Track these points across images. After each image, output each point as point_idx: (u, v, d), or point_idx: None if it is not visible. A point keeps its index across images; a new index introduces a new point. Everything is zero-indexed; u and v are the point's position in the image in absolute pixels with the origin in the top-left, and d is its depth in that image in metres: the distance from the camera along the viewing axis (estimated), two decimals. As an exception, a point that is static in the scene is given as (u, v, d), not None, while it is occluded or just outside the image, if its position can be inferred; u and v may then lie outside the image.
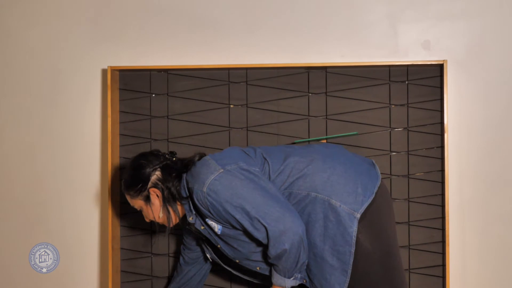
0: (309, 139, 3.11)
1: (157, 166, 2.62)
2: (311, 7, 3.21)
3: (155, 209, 2.64)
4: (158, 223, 2.76)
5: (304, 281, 2.56)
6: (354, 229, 2.44)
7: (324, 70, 3.11)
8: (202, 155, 2.63)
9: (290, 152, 2.61)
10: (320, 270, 2.50)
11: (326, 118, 3.11)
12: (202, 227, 2.63)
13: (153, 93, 3.20)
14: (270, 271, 2.60)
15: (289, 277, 2.50)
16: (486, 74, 3.15)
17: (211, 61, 3.21)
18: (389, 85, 3.08)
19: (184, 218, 2.72)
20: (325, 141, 3.11)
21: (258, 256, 2.61)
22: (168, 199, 2.62)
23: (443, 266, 3.03)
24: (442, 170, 3.04)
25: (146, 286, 3.20)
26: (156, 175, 2.62)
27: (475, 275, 3.15)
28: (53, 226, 3.37)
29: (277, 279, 2.52)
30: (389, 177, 3.06)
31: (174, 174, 2.61)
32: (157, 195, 2.62)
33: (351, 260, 2.46)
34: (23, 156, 3.38)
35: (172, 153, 2.69)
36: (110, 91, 3.12)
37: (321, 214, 2.47)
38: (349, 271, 2.46)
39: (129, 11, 3.30)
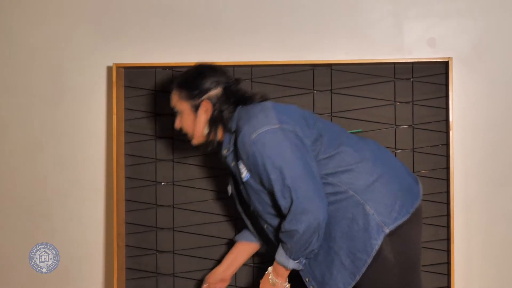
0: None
1: (221, 84, 2.53)
2: (315, 4, 3.20)
3: (197, 122, 2.54)
4: (184, 133, 2.64)
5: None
6: (378, 242, 2.38)
7: (329, 67, 3.11)
8: (264, 98, 2.54)
9: (345, 140, 2.51)
10: (329, 262, 2.46)
11: (331, 115, 3.11)
12: (233, 164, 2.54)
13: (158, 91, 3.20)
14: (276, 241, 2.53)
15: (294, 259, 2.43)
16: (491, 71, 3.15)
17: (215, 58, 3.21)
18: (394, 82, 3.07)
19: (218, 146, 2.61)
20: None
21: (271, 219, 2.54)
22: (215, 121, 2.51)
23: (448, 263, 3.02)
24: (447, 168, 3.03)
25: (151, 283, 3.21)
26: (216, 91, 2.52)
27: (480, 273, 3.15)
28: (58, 223, 3.38)
29: (281, 256, 2.45)
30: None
31: (232, 100, 2.51)
32: (206, 110, 2.52)
33: (364, 269, 2.40)
34: (28, 153, 3.39)
35: (238, 80, 2.59)
36: (115, 88, 3.12)
37: (350, 214, 2.40)
38: (358, 277, 2.42)
39: (134, 8, 3.31)
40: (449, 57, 2.99)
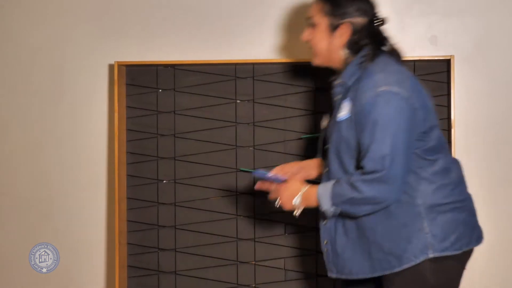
0: (317, 135, 3.10)
1: (368, 16, 2.38)
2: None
3: (328, 42, 2.40)
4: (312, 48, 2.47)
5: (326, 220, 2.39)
6: (416, 261, 2.27)
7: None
8: (400, 59, 2.42)
9: (444, 152, 2.37)
10: (357, 245, 2.36)
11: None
12: (337, 98, 2.41)
13: (159, 88, 3.21)
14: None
15: (333, 204, 2.29)
16: (493, 69, 3.15)
17: (217, 57, 3.21)
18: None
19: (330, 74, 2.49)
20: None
21: (335, 169, 2.37)
22: (349, 47, 2.37)
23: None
24: (449, 166, 3.03)
25: (153, 281, 3.21)
26: (361, 20, 2.36)
27: (482, 272, 3.14)
28: (60, 221, 3.38)
29: (324, 191, 2.30)
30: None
31: (371, 36, 2.37)
32: (342, 34, 2.37)
33: (386, 272, 2.31)
34: (30, 151, 3.39)
35: (384, 21, 2.43)
36: (117, 86, 3.12)
37: (405, 220, 2.30)
38: (375, 275, 2.34)
39: (136, 6, 3.31)
40: (451, 55, 2.99)
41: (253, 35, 3.23)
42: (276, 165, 3.09)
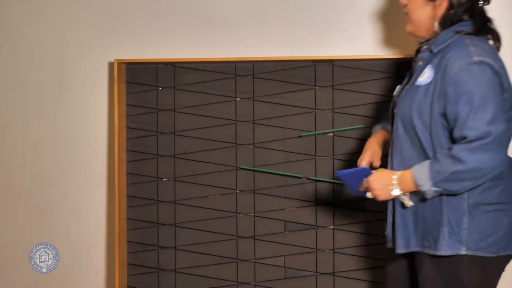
0: (316, 133, 3.10)
1: None
2: (317, 0, 3.20)
3: (423, 8, 2.37)
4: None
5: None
6: (447, 252, 2.25)
7: (331, 63, 3.10)
8: (498, 45, 2.37)
9: None
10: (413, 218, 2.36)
11: (333, 111, 3.11)
12: (420, 63, 2.38)
13: (159, 86, 3.21)
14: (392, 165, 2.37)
15: (434, 184, 2.22)
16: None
17: (217, 54, 3.21)
18: (395, 78, 3.07)
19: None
20: (331, 134, 3.10)
21: (403, 139, 2.35)
22: (443, 20, 2.33)
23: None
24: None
25: (153, 279, 3.21)
26: None
27: None
28: (60, 219, 3.38)
29: (421, 173, 2.24)
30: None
31: (470, 16, 2.32)
32: (440, 5, 2.34)
33: (423, 249, 2.31)
34: (30, 149, 3.39)
35: (488, 1, 2.38)
36: (117, 84, 3.12)
37: (449, 210, 2.27)
38: (411, 248, 2.34)
39: (136, 4, 3.30)
40: (451, 53, 2.98)
41: (252, 32, 3.23)
42: (275, 163, 3.12)
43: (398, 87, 2.55)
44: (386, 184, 2.32)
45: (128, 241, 3.22)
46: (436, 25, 2.37)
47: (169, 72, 3.19)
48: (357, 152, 3.08)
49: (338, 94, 3.10)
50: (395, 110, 2.43)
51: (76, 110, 3.36)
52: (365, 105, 3.09)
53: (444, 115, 2.25)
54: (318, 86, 3.12)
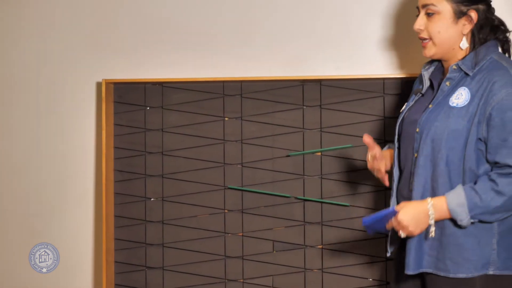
0: (304, 152, 3.11)
1: (489, 1, 2.30)
2: (305, 20, 3.21)
3: (451, 30, 2.28)
4: (426, 40, 2.35)
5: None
6: (474, 274, 2.21)
7: (319, 83, 3.11)
8: None
9: None
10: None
11: (321, 130, 3.12)
12: (447, 84, 2.30)
13: (147, 106, 3.20)
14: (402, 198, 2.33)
15: (472, 217, 2.16)
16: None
17: (205, 74, 3.21)
18: (383, 97, 3.08)
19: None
20: (319, 153, 3.11)
21: (422, 169, 2.28)
22: (473, 36, 2.27)
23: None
24: (437, 183, 3.03)
25: (141, 299, 3.20)
26: (485, 6, 2.28)
27: None
28: (46, 239, 3.36)
29: (458, 205, 2.17)
30: (384, 191, 3.06)
31: (491, 27, 2.28)
32: (469, 21, 2.27)
33: (433, 272, 2.26)
34: (16, 169, 3.37)
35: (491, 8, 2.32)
36: (104, 104, 3.12)
37: (475, 231, 2.22)
38: (422, 269, 2.29)
39: (124, 24, 3.31)
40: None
41: (241, 52, 3.24)
42: (264, 183, 3.12)
43: (405, 105, 2.50)
44: (420, 218, 2.22)
45: (116, 262, 3.20)
46: (464, 43, 2.30)
47: (157, 92, 3.19)
48: (346, 171, 3.09)
49: (326, 113, 3.11)
50: (417, 130, 2.33)
51: (64, 130, 3.35)
52: (353, 124, 3.10)
53: (482, 140, 2.22)
54: (306, 106, 3.13)
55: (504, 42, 2.32)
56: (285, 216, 3.13)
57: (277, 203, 3.13)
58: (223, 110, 3.17)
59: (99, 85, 3.31)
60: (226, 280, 3.16)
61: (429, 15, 2.30)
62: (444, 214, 2.20)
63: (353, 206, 3.08)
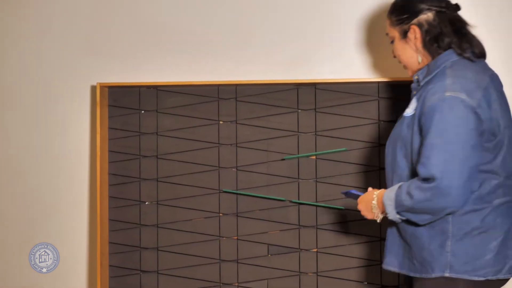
0: (299, 155, 3.11)
1: (434, 8, 2.35)
2: (300, 24, 3.22)
3: (405, 48, 2.40)
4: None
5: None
6: (432, 275, 2.27)
7: (313, 86, 3.12)
8: (483, 55, 2.37)
9: (505, 177, 2.31)
10: (402, 239, 2.40)
11: (316, 134, 3.12)
12: (412, 94, 2.41)
13: (142, 110, 3.20)
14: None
15: (397, 212, 2.27)
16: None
17: (200, 78, 3.21)
18: (378, 101, 3.09)
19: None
20: (314, 157, 3.11)
21: (388, 163, 2.41)
22: (425, 45, 2.35)
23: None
24: (431, 186, 3.04)
25: (135, 303, 3.20)
26: (428, 16, 2.34)
27: None
28: (41, 242, 3.35)
29: (388, 200, 2.29)
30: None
31: (445, 30, 2.33)
32: (415, 36, 2.36)
33: (409, 273, 2.35)
34: (10, 173, 3.37)
35: (457, 6, 2.39)
36: (99, 107, 3.11)
37: (433, 232, 2.28)
38: (402, 272, 2.38)
39: (118, 27, 3.30)
40: (432, 76, 3.00)
41: (235, 56, 3.24)
42: (258, 186, 3.12)
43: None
44: (368, 206, 2.43)
45: (110, 265, 3.19)
46: (419, 58, 2.40)
47: (151, 96, 3.19)
48: (340, 175, 3.09)
49: (321, 117, 3.12)
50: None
51: (58, 133, 3.34)
52: (347, 128, 3.10)
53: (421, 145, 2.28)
54: (301, 109, 3.13)
55: (458, 46, 2.35)
56: (280, 220, 3.13)
57: (272, 207, 3.14)
58: (218, 114, 3.17)
59: (93, 88, 3.30)
60: (221, 284, 3.16)
61: (391, 42, 2.48)
62: (382, 205, 2.35)
63: (348, 209, 3.08)
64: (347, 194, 2.61)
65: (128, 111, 3.20)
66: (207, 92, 3.17)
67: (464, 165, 2.16)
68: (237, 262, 3.15)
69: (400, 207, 2.26)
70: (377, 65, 3.18)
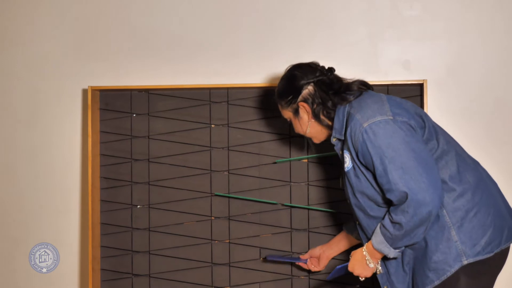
0: (291, 159, 3.11)
1: (311, 80, 2.49)
2: (292, 27, 3.22)
3: (302, 123, 2.54)
4: (308, 138, 2.65)
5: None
6: (451, 270, 2.34)
7: (305, 89, 3.11)
8: (363, 86, 2.50)
9: (456, 153, 2.44)
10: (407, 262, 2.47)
11: (307, 138, 3.11)
12: (340, 153, 2.51)
13: (134, 113, 3.19)
14: (366, 238, 2.51)
15: (395, 248, 2.36)
16: (465, 93, 3.18)
17: (192, 81, 3.21)
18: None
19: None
20: (306, 160, 3.11)
21: (362, 217, 2.48)
22: (317, 115, 2.49)
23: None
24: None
25: (127, 307, 3.19)
26: (308, 89, 2.49)
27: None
28: (31, 246, 3.34)
29: (380, 244, 2.37)
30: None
31: (331, 92, 2.47)
32: (306, 110, 2.50)
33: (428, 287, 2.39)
34: (2, 175, 3.36)
35: (331, 70, 2.55)
36: (90, 111, 3.11)
37: (433, 232, 2.36)
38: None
39: (110, 31, 3.30)
40: (423, 79, 3.01)
41: (227, 59, 3.24)
42: (250, 190, 3.12)
43: (341, 179, 2.69)
44: (363, 263, 2.47)
45: (102, 269, 3.19)
46: (319, 124, 2.52)
47: (143, 99, 3.18)
48: (332, 178, 3.09)
49: (313, 120, 3.11)
50: (348, 202, 2.57)
51: (49, 137, 3.34)
52: (339, 131, 3.10)
53: (375, 178, 2.38)
54: (293, 113, 3.13)
55: (343, 100, 2.47)
56: (272, 223, 3.13)
57: (264, 210, 3.13)
58: (210, 117, 3.16)
59: (85, 92, 3.30)
60: (213, 287, 3.15)
61: (290, 122, 2.62)
62: (377, 254, 2.42)
63: (340, 212, 3.08)
64: (335, 273, 2.64)
65: (120, 115, 3.20)
66: (199, 95, 3.16)
67: (419, 167, 2.25)
68: (229, 266, 3.15)
69: (395, 242, 2.34)
70: (369, 67, 3.18)
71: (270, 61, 3.21)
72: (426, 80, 3.02)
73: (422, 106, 3.03)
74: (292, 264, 3.12)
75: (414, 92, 3.07)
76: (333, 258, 3.02)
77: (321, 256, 2.96)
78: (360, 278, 2.50)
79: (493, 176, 2.56)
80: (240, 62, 3.23)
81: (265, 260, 3.08)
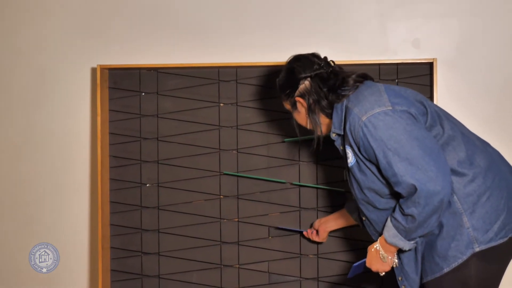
0: (299, 138, 3.10)
1: (308, 75, 2.44)
2: (301, 6, 3.20)
3: (301, 117, 2.52)
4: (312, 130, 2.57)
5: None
6: (462, 257, 2.29)
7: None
8: (360, 78, 2.44)
9: (465, 136, 2.38)
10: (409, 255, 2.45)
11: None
12: (341, 148, 2.48)
13: (143, 92, 3.19)
14: (375, 233, 2.49)
15: (409, 240, 2.30)
16: (475, 72, 3.16)
17: (201, 60, 3.20)
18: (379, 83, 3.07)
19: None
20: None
21: (369, 212, 2.45)
22: (313, 111, 2.45)
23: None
24: (432, 169, 3.03)
25: (136, 285, 3.20)
26: (305, 84, 2.44)
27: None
28: (42, 226, 3.36)
29: (394, 237, 2.32)
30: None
31: (325, 89, 2.42)
32: (303, 105, 2.47)
33: (436, 275, 2.34)
34: (11, 155, 3.37)
35: (329, 63, 2.49)
36: (99, 90, 3.11)
37: (443, 220, 2.31)
38: (425, 280, 2.39)
39: (119, 9, 3.29)
40: (433, 58, 2.99)
41: (236, 38, 3.23)
42: (259, 169, 3.12)
43: (345, 172, 2.63)
44: (378, 258, 2.43)
45: (112, 247, 3.20)
46: (316, 118, 2.47)
47: (152, 78, 3.18)
48: (341, 157, 3.08)
49: (322, 99, 3.11)
50: (353, 197, 2.53)
51: (59, 116, 3.34)
52: (348, 110, 3.09)
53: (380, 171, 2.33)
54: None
55: (337, 99, 2.42)
56: (281, 202, 3.14)
57: (273, 189, 3.14)
58: (219, 96, 3.16)
59: (94, 71, 3.30)
60: (222, 266, 3.17)
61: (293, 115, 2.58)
62: (392, 248, 2.38)
63: (348, 191, 3.08)
64: (354, 271, 2.61)
65: (129, 93, 3.20)
66: (208, 74, 3.16)
67: (425, 156, 2.20)
68: (238, 244, 3.16)
69: (409, 234, 2.29)
70: (378, 47, 3.16)
71: (278, 40, 3.20)
72: (436, 59, 3.00)
73: (431, 85, 3.02)
74: (301, 242, 3.13)
75: (424, 71, 3.05)
76: (331, 235, 3.03)
77: (319, 228, 2.98)
78: (380, 273, 2.46)
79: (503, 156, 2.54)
80: (249, 41, 3.22)
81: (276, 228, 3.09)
